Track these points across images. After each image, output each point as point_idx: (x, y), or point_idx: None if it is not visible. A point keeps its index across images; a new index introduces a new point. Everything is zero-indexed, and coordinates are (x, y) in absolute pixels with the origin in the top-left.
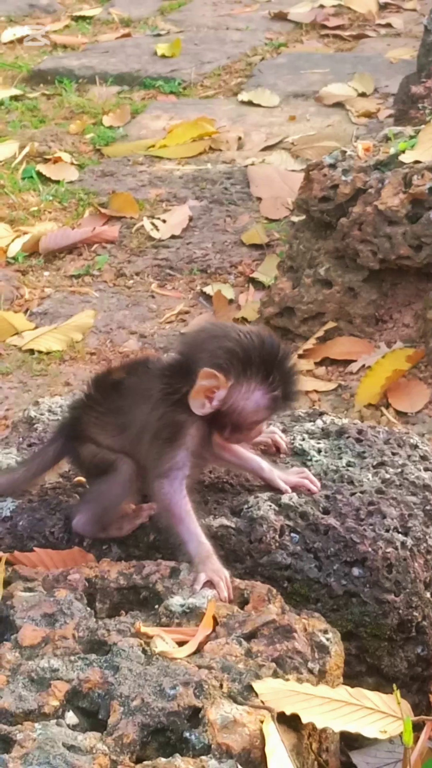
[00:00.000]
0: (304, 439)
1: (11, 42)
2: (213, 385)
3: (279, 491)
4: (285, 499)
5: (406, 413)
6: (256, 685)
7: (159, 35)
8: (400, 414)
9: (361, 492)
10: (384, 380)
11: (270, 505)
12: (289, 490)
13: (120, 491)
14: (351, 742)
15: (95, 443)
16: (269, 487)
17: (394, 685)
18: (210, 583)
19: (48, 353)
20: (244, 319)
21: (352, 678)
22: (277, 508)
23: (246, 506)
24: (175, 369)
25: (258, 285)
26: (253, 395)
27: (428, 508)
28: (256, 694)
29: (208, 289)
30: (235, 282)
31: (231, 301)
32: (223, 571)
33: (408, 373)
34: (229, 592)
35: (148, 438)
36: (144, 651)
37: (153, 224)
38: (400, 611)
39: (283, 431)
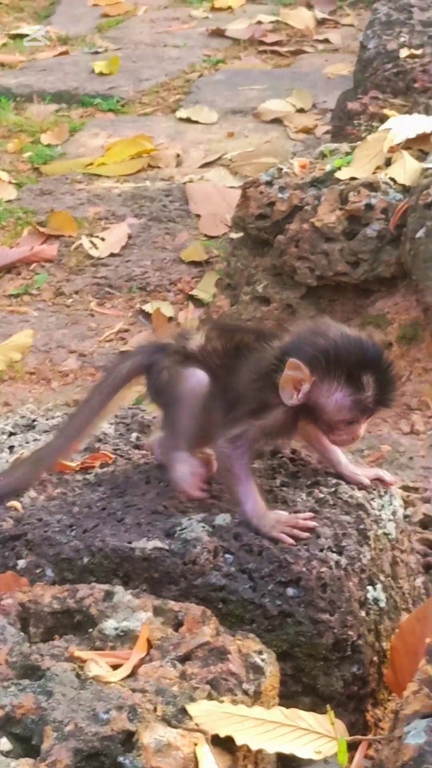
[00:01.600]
0: None
1: None
2: (298, 377)
3: (358, 484)
4: (219, 520)
5: None
6: (190, 708)
7: (97, 53)
8: None
9: (296, 512)
10: None
11: (203, 527)
12: (369, 483)
13: (183, 404)
14: (288, 762)
15: None
16: (346, 480)
17: (328, 706)
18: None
19: None
20: None
21: (288, 698)
22: (210, 530)
23: (179, 528)
24: (281, 354)
25: (197, 302)
26: (334, 395)
27: (362, 527)
28: (191, 717)
29: (147, 307)
30: (175, 299)
31: (170, 319)
32: (281, 519)
33: None
34: (296, 532)
35: (238, 404)
36: (78, 675)
37: (92, 242)
38: (335, 630)
39: None
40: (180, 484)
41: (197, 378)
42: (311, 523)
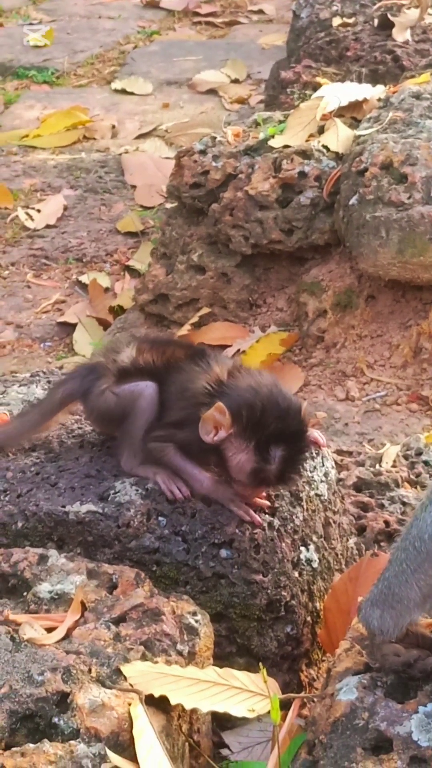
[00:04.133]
0: None
1: None
2: (220, 421)
3: None
4: (151, 483)
5: None
6: (125, 669)
7: (31, 24)
8: None
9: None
10: (259, 364)
11: (137, 490)
12: None
13: (142, 419)
14: (224, 722)
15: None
16: None
17: (261, 664)
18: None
19: None
20: (120, 308)
21: (222, 659)
22: (144, 492)
23: (113, 491)
24: (216, 387)
25: (134, 273)
26: (240, 454)
27: (294, 488)
28: (125, 678)
29: (83, 278)
30: (111, 270)
31: (107, 290)
32: (234, 493)
33: (282, 356)
34: (258, 503)
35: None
36: (12, 638)
37: (28, 214)
38: (269, 591)
39: None
40: (171, 491)
41: (149, 390)
42: (266, 503)
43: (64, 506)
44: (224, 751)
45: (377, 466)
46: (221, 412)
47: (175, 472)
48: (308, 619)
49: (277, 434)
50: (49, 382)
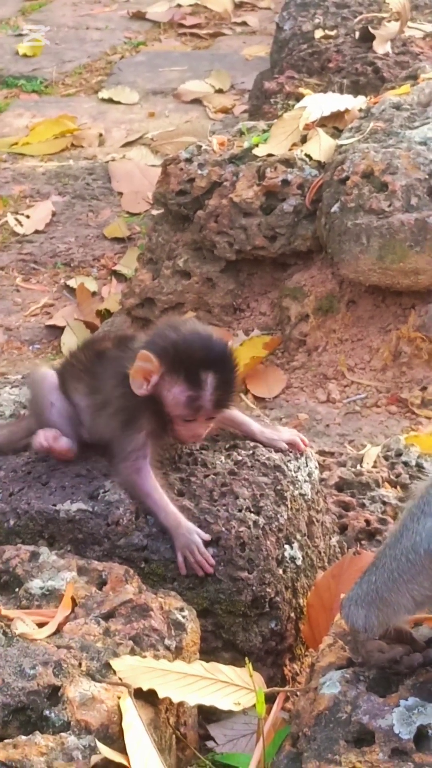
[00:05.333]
0: None
1: None
2: (148, 367)
3: (277, 449)
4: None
5: (264, 399)
6: (114, 663)
7: (20, 35)
8: (258, 399)
9: (215, 474)
10: (242, 367)
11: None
12: (286, 447)
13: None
14: (209, 715)
15: (66, 395)
16: (264, 445)
17: (246, 658)
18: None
19: None
20: (107, 311)
21: (208, 654)
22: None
23: (103, 490)
24: (137, 350)
25: (120, 277)
26: (173, 388)
27: (279, 487)
28: (114, 672)
29: (71, 283)
30: (98, 275)
31: (94, 294)
32: (192, 543)
33: (265, 359)
34: (197, 568)
35: (109, 411)
36: (4, 633)
37: (17, 220)
38: (254, 588)
39: None
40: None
41: (41, 372)
42: (210, 569)
43: (55, 505)
44: (210, 744)
45: (358, 467)
46: (145, 358)
47: (146, 501)
48: (292, 615)
49: (205, 360)
50: None
